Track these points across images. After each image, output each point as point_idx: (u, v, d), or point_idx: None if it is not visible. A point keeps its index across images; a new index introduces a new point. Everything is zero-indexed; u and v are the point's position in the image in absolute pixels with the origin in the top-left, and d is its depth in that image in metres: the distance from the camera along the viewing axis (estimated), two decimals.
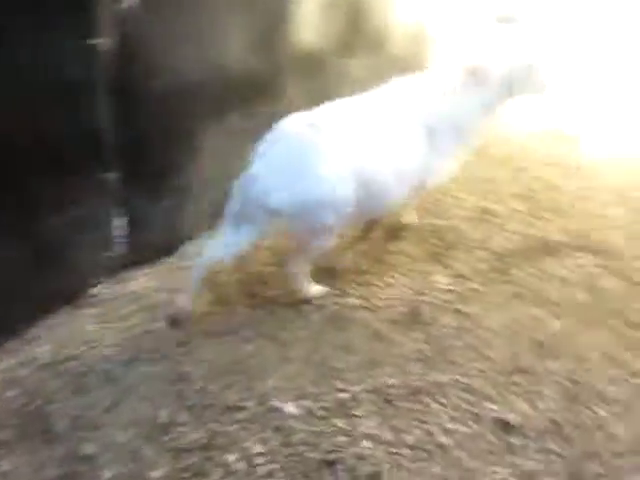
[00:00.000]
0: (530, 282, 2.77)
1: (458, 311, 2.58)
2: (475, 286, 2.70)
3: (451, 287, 2.69)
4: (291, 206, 2.09)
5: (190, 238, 2.85)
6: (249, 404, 2.14)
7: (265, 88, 2.84)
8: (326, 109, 2.30)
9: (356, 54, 3.23)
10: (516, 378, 2.30)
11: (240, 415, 2.10)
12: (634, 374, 2.36)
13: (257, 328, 2.42)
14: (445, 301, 2.62)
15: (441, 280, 2.73)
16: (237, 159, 2.25)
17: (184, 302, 2.34)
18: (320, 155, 2.11)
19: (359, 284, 2.65)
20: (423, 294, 2.63)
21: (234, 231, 2.21)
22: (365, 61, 3.25)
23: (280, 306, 2.54)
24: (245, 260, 2.62)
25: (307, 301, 2.53)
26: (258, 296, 2.57)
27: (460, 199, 3.27)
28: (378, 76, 3.41)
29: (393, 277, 2.72)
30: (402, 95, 2.49)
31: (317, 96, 2.40)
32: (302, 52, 2.95)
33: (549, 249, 2.98)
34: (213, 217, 2.89)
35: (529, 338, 2.48)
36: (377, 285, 2.66)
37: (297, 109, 2.26)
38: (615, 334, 2.53)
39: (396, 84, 2.54)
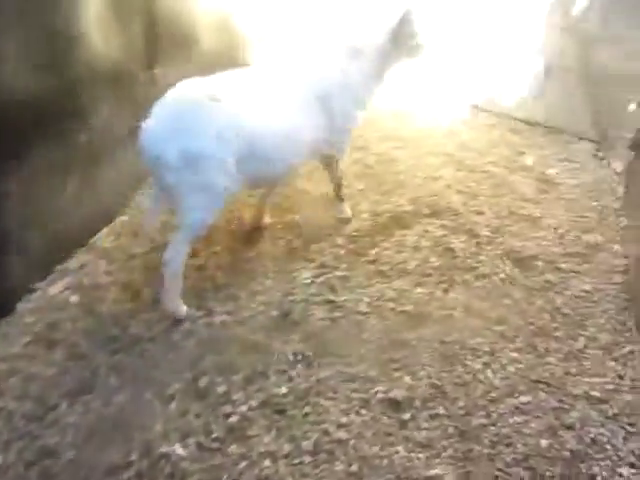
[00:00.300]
0: (388, 257, 2.88)
1: (328, 302, 2.60)
2: (339, 273, 2.74)
3: (316, 279, 2.70)
4: (176, 156, 2.19)
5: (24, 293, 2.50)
6: (133, 458, 1.96)
7: (67, 109, 2.53)
8: (220, 77, 2.42)
9: (163, 61, 3.04)
10: (394, 354, 2.38)
11: (126, 474, 1.91)
12: (495, 322, 2.58)
13: (123, 375, 2.21)
14: (313, 294, 2.62)
15: (305, 275, 2.72)
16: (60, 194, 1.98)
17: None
18: (205, 113, 2.27)
19: (224, 299, 2.54)
20: (291, 293, 2.61)
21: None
22: (174, 67, 3.06)
23: (147, 343, 2.35)
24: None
25: (177, 323, 2.44)
26: (119, 339, 2.35)
27: (305, 190, 3.28)
28: None
29: (259, 283, 2.65)
30: (293, 68, 2.65)
31: (131, 108, 2.21)
32: (104, 67, 2.68)
33: (399, 221, 3.12)
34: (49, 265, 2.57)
35: (397, 312, 2.58)
36: (241, 296, 2.57)
37: (112, 125, 2.06)
38: (469, 288, 2.75)
39: (286, 59, 2.71)
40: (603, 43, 3.66)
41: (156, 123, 2.24)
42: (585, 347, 2.55)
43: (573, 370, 2.45)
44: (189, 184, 2.26)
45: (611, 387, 2.40)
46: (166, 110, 2.27)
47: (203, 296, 2.53)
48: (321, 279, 2.69)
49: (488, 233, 3.11)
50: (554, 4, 3.64)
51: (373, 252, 2.89)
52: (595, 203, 3.45)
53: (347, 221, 3.06)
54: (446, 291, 2.72)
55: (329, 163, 2.94)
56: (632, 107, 2.57)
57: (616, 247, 3.11)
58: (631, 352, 2.54)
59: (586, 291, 2.83)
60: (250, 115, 2.34)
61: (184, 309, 2.45)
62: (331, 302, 2.59)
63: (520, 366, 2.42)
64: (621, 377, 2.44)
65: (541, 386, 2.36)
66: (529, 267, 2.93)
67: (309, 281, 2.67)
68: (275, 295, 2.58)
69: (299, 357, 2.32)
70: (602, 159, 3.85)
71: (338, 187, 3.04)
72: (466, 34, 4.20)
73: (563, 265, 2.96)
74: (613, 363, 2.50)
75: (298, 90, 2.56)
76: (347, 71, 2.67)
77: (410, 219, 3.15)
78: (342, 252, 2.86)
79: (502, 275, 2.85)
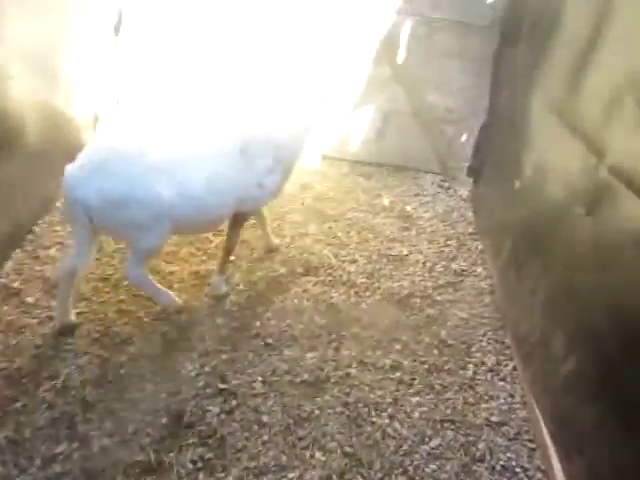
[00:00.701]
0: (272, 327, 2.76)
1: (221, 391, 2.39)
2: (225, 356, 2.55)
3: (203, 369, 2.49)
4: (97, 199, 2.23)
5: None
6: None
7: None
8: (143, 122, 2.64)
9: None
10: (299, 432, 2.26)
11: None
12: (390, 370, 2.59)
13: None
14: (203, 387, 2.40)
15: (189, 367, 2.49)
16: None
17: (60, 315, 2.52)
18: (126, 159, 2.33)
19: (99, 420, 2.23)
20: (178, 392, 2.37)
21: (74, 237, 2.43)
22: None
23: None
24: None
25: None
26: None
27: (170, 272, 3.06)
28: (22, 180, 2.98)
29: (138, 389, 2.38)
30: (216, 116, 2.72)
31: None
32: None
33: (276, 286, 3.04)
34: None
35: (294, 384, 2.47)
36: (120, 410, 2.28)
37: None
38: (359, 341, 2.73)
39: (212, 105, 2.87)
40: (430, 86, 4.00)
41: (79, 170, 2.27)
42: (475, 374, 2.65)
43: (470, 400, 2.52)
44: (116, 224, 2.38)
45: (506, 407, 2.50)
46: (88, 157, 2.33)
47: (73, 422, 2.19)
48: (207, 368, 2.49)
49: (364, 280, 3.16)
50: (379, 53, 3.90)
51: (256, 325, 2.77)
52: (452, 231, 3.69)
53: (224, 297, 2.91)
54: (337, 349, 2.68)
55: (238, 221, 2.85)
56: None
57: (479, 270, 3.34)
58: (514, 368, 2.70)
59: (464, 319, 2.97)
60: (175, 161, 2.40)
61: (175, 298, 2.74)
62: (223, 391, 2.40)
63: (424, 409, 2.44)
64: (512, 395, 2.56)
65: (446, 425, 2.39)
66: (409, 306, 3.02)
67: (195, 373, 2.46)
68: (160, 399, 2.33)
69: (199, 464, 2.09)
70: (448, 188, 4.18)
71: (227, 255, 2.91)
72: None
73: (438, 297, 3.09)
74: (502, 383, 2.62)
75: (221, 139, 2.59)
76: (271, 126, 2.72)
77: (286, 282, 3.09)
78: (224, 332, 2.69)
79: (386, 320, 2.89)
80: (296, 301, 2.94)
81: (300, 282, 3.09)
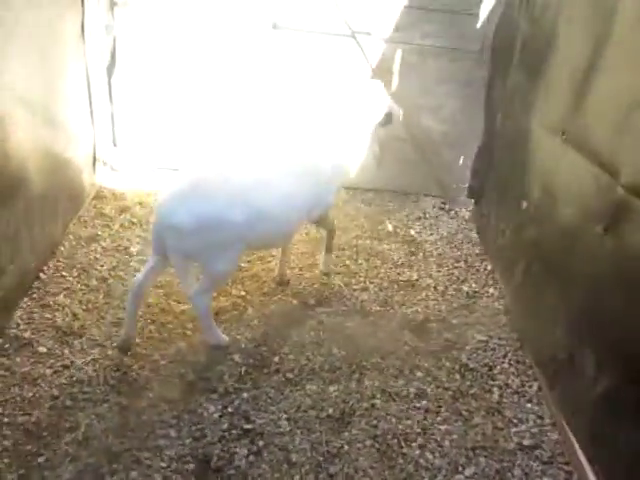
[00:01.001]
0: (292, 361, 2.70)
1: (246, 432, 2.32)
2: (246, 395, 2.50)
3: (226, 410, 2.43)
4: (191, 223, 2.39)
5: None
6: None
7: None
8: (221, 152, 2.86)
9: None
10: (330, 468, 2.20)
11: None
12: (415, 398, 2.55)
13: None
14: (228, 429, 2.34)
15: (212, 409, 2.44)
16: None
17: (127, 331, 2.63)
18: (212, 184, 2.53)
19: (122, 471, 2.15)
20: (203, 436, 2.29)
21: (154, 257, 2.62)
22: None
23: None
24: None
25: (218, 348, 2.75)
26: None
27: (171, 311, 3.03)
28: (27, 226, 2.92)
29: (161, 436, 2.30)
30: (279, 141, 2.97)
31: None
32: None
33: (291, 319, 3.00)
34: None
35: (321, 419, 2.41)
36: (142, 460, 2.19)
37: None
38: (380, 371, 2.69)
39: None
40: (425, 111, 4.06)
41: (170, 197, 2.47)
42: (501, 397, 2.62)
43: (499, 424, 2.48)
44: (203, 244, 2.50)
45: (536, 430, 2.47)
46: (177, 185, 2.52)
47: (99, 474, 2.09)
48: (230, 408, 2.42)
49: (378, 308, 3.13)
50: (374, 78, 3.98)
51: (275, 360, 2.71)
52: (459, 253, 3.70)
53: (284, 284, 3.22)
54: (360, 381, 2.63)
55: (323, 218, 3.14)
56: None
57: (491, 290, 3.34)
58: (539, 389, 2.67)
59: (482, 341, 2.95)
60: (254, 186, 2.59)
61: (225, 338, 2.80)
62: (249, 431, 2.33)
63: (453, 437, 2.40)
64: (541, 417, 2.53)
65: (478, 451, 2.35)
66: (426, 331, 2.99)
67: (218, 415, 2.39)
68: (185, 444, 2.25)
69: None
70: (450, 210, 4.20)
71: (330, 238, 3.30)
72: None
73: (454, 321, 3.08)
74: (529, 405, 2.59)
75: (292, 161, 2.85)
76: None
77: (301, 314, 3.05)
78: (242, 370, 2.63)
79: (405, 347, 2.86)
80: (312, 334, 2.90)
81: (314, 314, 3.05)
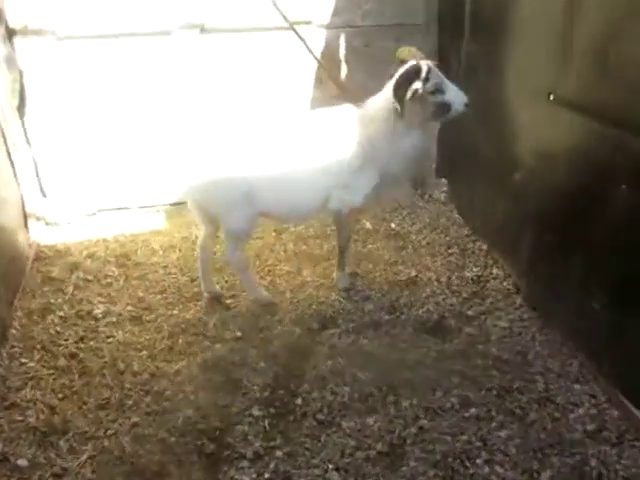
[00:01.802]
0: (317, 400, 2.39)
1: None
2: (280, 453, 2.16)
3: (262, 476, 2.09)
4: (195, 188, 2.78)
5: None
6: None
7: None
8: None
9: None
10: None
11: None
12: (462, 406, 2.30)
13: None
14: None
15: (245, 478, 2.09)
16: None
17: (207, 288, 3.05)
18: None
19: None
20: None
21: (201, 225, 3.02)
22: None
23: None
24: None
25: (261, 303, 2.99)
26: None
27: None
28: None
29: None
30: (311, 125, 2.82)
31: None
32: None
33: (301, 349, 2.69)
34: None
35: (373, 458, 2.13)
36: None
37: None
38: (413, 386, 2.44)
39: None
40: None
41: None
42: (546, 384, 2.43)
43: (556, 414, 2.29)
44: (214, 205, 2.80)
45: (595, 412, 2.30)
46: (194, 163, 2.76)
47: None
48: (267, 474, 2.06)
49: (388, 316, 2.86)
50: (319, 74, 3.69)
51: (298, 403, 2.38)
52: (448, 238, 3.51)
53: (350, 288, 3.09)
54: (396, 403, 2.34)
55: (337, 221, 2.98)
56: None
57: (495, 271, 3.16)
58: (581, 365, 2.52)
59: (505, 327, 2.76)
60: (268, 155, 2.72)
61: (266, 294, 3.02)
62: None
63: (516, 441, 2.18)
64: (594, 396, 2.36)
65: (547, 451, 2.14)
66: (445, 330, 2.76)
67: None
68: None
69: None
70: (423, 195, 4.00)
71: (341, 253, 3.06)
72: None
73: (470, 312, 2.86)
74: (577, 386, 2.42)
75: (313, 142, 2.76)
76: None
77: (309, 343, 2.70)
78: (266, 424, 2.29)
79: (431, 353, 2.61)
80: (329, 362, 2.58)
81: (323, 339, 2.74)
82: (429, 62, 2.59)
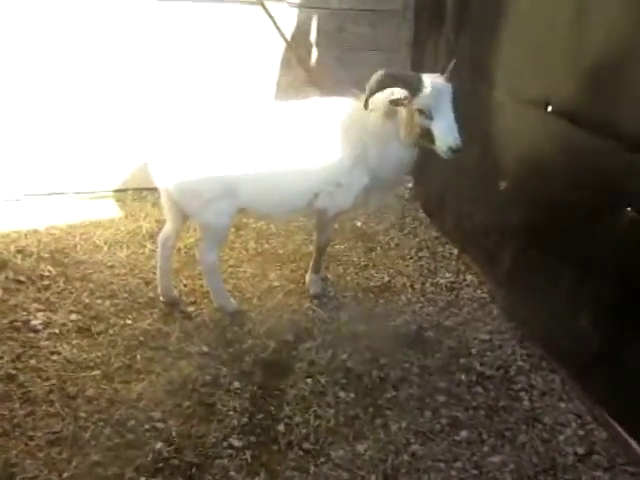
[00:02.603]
0: (299, 423, 2.20)
1: None
2: None
3: None
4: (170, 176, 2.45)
5: None
6: None
7: None
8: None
9: None
10: None
11: None
12: (452, 431, 2.20)
13: None
14: None
15: None
16: None
17: (164, 290, 2.75)
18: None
19: None
20: None
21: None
22: None
23: None
24: None
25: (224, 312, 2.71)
26: None
27: None
28: None
29: None
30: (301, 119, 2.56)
31: None
32: None
33: (278, 368, 2.46)
34: None
35: None
36: None
37: None
38: (401, 406, 2.31)
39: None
40: (347, 84, 3.47)
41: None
42: (531, 401, 2.40)
43: (545, 435, 2.26)
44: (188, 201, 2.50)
45: (582, 433, 2.28)
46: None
47: None
48: None
49: (365, 327, 2.69)
50: (289, 56, 3.37)
51: (281, 430, 2.15)
52: (417, 239, 3.40)
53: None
54: (385, 426, 2.20)
55: (320, 221, 2.75)
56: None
57: (468, 277, 3.09)
58: (563, 382, 2.50)
59: (484, 340, 2.70)
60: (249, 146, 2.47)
61: (233, 303, 2.74)
62: None
63: (511, 467, 2.10)
64: (579, 416, 2.35)
65: (541, 477, 2.09)
66: (425, 343, 2.65)
67: None
68: None
69: None
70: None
71: (318, 254, 2.84)
72: None
73: (447, 323, 2.78)
74: (562, 404, 2.39)
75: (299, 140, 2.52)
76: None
77: (285, 359, 2.49)
78: (248, 456, 2.04)
79: (415, 369, 2.49)
80: (309, 381, 2.39)
81: (300, 353, 2.53)
82: (444, 82, 2.36)
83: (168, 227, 2.67)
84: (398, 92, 2.37)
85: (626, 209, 2.06)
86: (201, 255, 2.66)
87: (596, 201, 2.21)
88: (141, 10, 3.10)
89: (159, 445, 2.05)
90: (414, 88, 2.31)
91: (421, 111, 2.32)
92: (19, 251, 2.90)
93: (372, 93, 2.36)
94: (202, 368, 2.39)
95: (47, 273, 2.79)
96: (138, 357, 2.41)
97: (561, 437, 2.27)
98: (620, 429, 2.21)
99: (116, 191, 3.41)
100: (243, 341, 2.56)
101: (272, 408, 2.26)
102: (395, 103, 2.37)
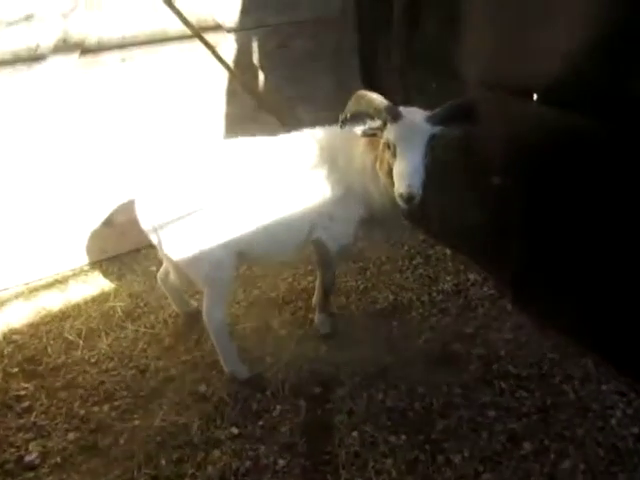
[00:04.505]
0: None
1: None
2: None
3: None
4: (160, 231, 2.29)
5: None
6: None
7: None
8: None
9: None
10: None
11: None
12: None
13: None
14: None
15: None
16: None
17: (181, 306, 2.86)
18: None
19: None
20: None
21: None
22: None
23: None
24: None
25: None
26: None
27: None
28: None
29: None
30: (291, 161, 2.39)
31: None
32: None
33: None
34: None
35: None
36: None
37: None
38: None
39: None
40: (300, 101, 3.33)
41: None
42: (575, 392, 2.35)
43: (599, 423, 2.21)
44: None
45: (631, 411, 2.26)
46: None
47: None
48: None
49: (390, 359, 2.55)
50: (234, 83, 3.09)
51: None
52: (405, 248, 3.27)
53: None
54: (444, 451, 2.10)
55: (322, 258, 2.53)
56: None
57: (471, 277, 3.01)
58: (595, 364, 2.48)
59: (509, 340, 2.62)
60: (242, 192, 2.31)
61: (245, 369, 2.50)
62: None
63: (582, 468, 2.06)
64: (623, 394, 2.33)
65: (613, 469, 2.06)
66: (454, 357, 2.55)
67: None
68: None
69: None
70: None
71: (324, 294, 2.67)
72: None
73: (468, 330, 2.70)
74: (604, 387, 2.36)
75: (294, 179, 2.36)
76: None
77: (319, 415, 2.31)
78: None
79: (456, 390, 2.38)
80: (355, 434, 2.20)
81: (335, 405, 2.33)
82: (421, 120, 2.07)
83: (166, 264, 2.64)
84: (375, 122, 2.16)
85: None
86: (207, 315, 2.40)
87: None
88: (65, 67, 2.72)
89: None
90: (383, 118, 2.08)
91: (388, 146, 2.10)
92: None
93: (348, 113, 2.18)
94: (238, 454, 2.16)
95: (23, 392, 2.41)
96: (163, 463, 2.12)
97: (613, 421, 2.24)
98: None
99: (71, 271, 3.02)
100: (271, 409, 2.34)
101: (329, 477, 2.07)
102: (364, 133, 2.17)
